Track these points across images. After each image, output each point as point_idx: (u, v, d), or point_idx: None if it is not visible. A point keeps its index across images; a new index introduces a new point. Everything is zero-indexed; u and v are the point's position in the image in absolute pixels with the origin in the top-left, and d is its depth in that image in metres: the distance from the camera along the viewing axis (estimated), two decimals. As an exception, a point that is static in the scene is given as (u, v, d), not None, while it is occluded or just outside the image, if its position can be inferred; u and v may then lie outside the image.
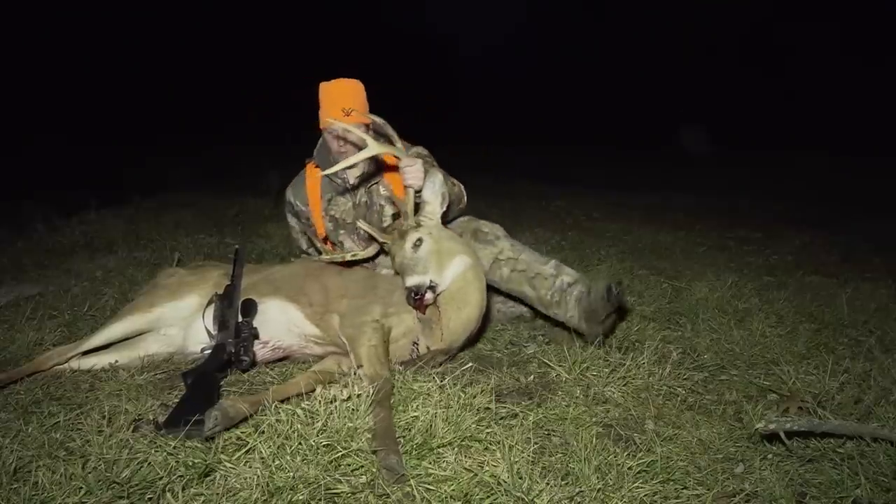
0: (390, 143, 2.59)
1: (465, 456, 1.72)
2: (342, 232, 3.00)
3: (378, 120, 2.62)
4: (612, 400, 2.16)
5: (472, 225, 2.81)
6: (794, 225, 6.11)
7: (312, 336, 2.47)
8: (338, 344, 2.40)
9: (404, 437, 1.78)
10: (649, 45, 17.19)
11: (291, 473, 1.57)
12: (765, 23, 15.88)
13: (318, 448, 1.67)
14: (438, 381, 2.06)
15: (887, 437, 1.84)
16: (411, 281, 2.25)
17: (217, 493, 1.53)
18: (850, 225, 6.07)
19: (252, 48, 17.78)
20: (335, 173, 2.85)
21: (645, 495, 1.61)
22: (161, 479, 1.57)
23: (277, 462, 1.61)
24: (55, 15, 14.72)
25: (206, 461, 1.62)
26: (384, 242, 2.56)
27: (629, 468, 1.71)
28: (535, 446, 1.78)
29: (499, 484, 1.58)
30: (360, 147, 2.73)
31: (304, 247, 3.17)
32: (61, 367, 2.37)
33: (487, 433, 1.82)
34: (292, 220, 3.10)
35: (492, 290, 2.72)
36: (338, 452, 1.67)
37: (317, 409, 1.82)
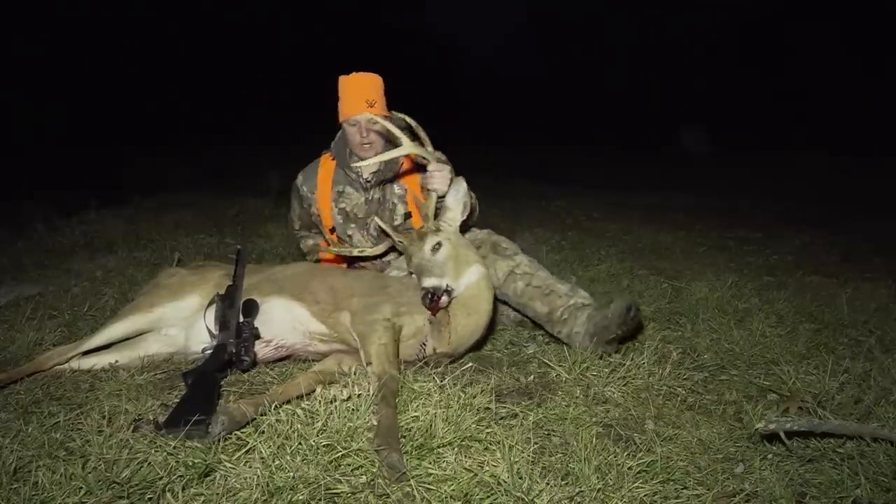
0: (421, 144, 2.60)
1: (465, 456, 1.72)
2: (352, 226, 3.01)
3: (398, 115, 2.65)
4: (612, 400, 2.16)
5: (491, 238, 2.84)
6: (794, 225, 6.11)
7: (318, 333, 2.47)
8: (345, 341, 2.40)
9: (405, 437, 1.78)
10: (649, 45, 17.21)
11: (291, 473, 1.57)
12: (765, 23, 15.89)
13: (318, 448, 1.67)
14: (438, 382, 2.06)
15: (887, 437, 1.84)
16: (429, 282, 2.26)
17: (217, 493, 1.53)
18: (850, 225, 6.07)
19: (252, 48, 17.80)
20: (350, 167, 2.86)
21: (645, 495, 1.61)
22: (161, 479, 1.57)
23: (277, 462, 1.61)
24: (56, 15, 14.73)
25: (206, 461, 1.62)
26: (397, 241, 2.57)
27: (629, 468, 1.71)
28: (535, 446, 1.78)
29: (499, 484, 1.58)
30: (385, 139, 2.74)
31: (297, 227, 3.22)
32: (61, 367, 2.37)
33: (487, 433, 1.82)
34: (294, 202, 3.15)
35: (500, 301, 2.73)
36: (338, 452, 1.66)
37: (317, 409, 1.82)
